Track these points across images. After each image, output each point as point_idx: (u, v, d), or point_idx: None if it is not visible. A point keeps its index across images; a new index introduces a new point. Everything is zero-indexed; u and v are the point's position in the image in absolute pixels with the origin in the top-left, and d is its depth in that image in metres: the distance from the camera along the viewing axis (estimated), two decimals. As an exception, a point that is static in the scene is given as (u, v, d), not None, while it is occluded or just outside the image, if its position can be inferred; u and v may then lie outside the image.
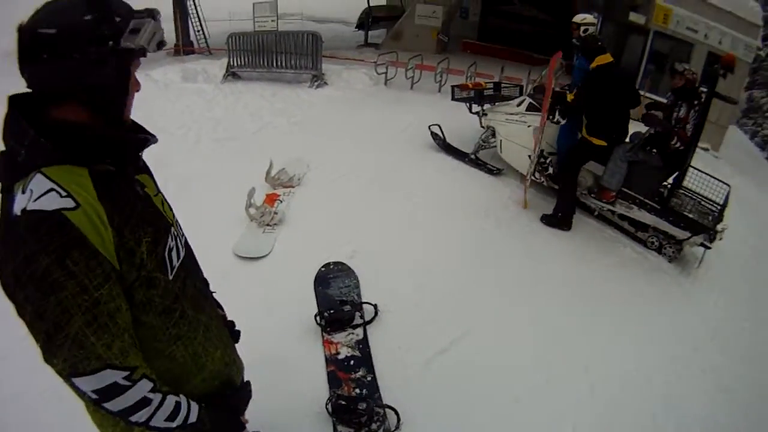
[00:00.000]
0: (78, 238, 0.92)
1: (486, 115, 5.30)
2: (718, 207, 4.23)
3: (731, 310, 4.04)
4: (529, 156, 4.68)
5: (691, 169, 4.29)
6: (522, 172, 4.85)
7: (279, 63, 7.67)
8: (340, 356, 2.96)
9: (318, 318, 3.14)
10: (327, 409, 2.62)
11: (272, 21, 8.67)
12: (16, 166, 0.95)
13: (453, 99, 5.59)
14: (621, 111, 4.26)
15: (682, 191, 4.39)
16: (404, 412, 2.68)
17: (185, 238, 1.32)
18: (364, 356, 2.96)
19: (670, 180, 4.30)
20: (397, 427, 2.60)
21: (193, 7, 9.01)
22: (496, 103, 5.30)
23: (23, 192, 0.92)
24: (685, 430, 2.94)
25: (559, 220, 4.46)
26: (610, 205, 4.47)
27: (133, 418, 1.03)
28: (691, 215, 4.22)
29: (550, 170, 4.72)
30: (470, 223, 4.36)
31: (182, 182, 4.14)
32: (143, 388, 1.02)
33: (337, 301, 3.31)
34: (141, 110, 1.29)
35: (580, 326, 3.46)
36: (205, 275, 1.45)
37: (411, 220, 4.23)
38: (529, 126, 4.77)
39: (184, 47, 8.87)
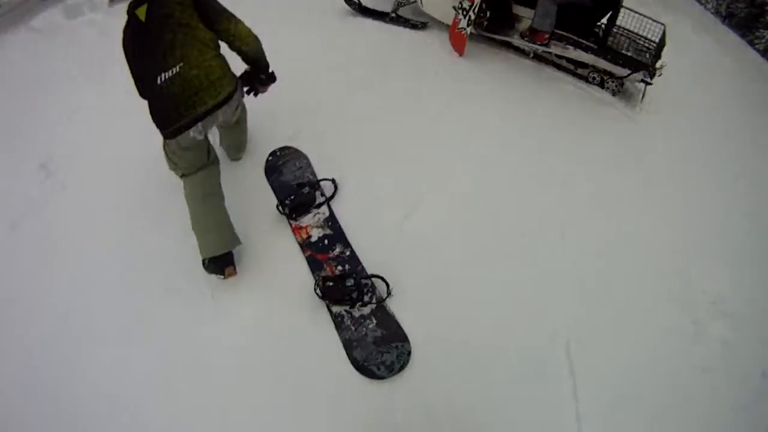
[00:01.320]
0: None
1: (398, -30, 4.90)
2: (654, 45, 4.26)
3: (677, 142, 4.24)
4: (454, 6, 4.44)
5: (624, 10, 4.22)
6: (447, 23, 4.65)
7: None
8: (313, 239, 3.01)
9: (280, 207, 3.10)
10: (317, 293, 2.66)
11: None
12: None
13: None
14: None
15: (617, 30, 4.35)
16: (390, 278, 2.70)
17: None
18: (335, 232, 3.02)
19: (604, 21, 4.24)
20: (389, 293, 2.73)
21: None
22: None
23: None
24: (657, 264, 3.23)
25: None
26: (545, 47, 4.40)
27: None
28: (628, 53, 4.25)
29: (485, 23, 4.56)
30: (406, 82, 4.22)
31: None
32: None
33: (294, 186, 3.25)
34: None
35: (534, 166, 3.62)
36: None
37: (347, 91, 4.06)
38: (449, -25, 4.47)
39: None
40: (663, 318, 3.02)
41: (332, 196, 3.20)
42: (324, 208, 3.13)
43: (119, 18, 5.63)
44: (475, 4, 4.17)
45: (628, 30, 4.39)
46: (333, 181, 3.26)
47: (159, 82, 2.50)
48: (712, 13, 11.95)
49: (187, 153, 2.69)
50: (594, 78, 4.44)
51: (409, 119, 3.83)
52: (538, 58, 4.61)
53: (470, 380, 2.60)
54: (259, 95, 3.00)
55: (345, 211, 3.14)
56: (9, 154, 3.58)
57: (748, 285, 3.30)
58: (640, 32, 4.37)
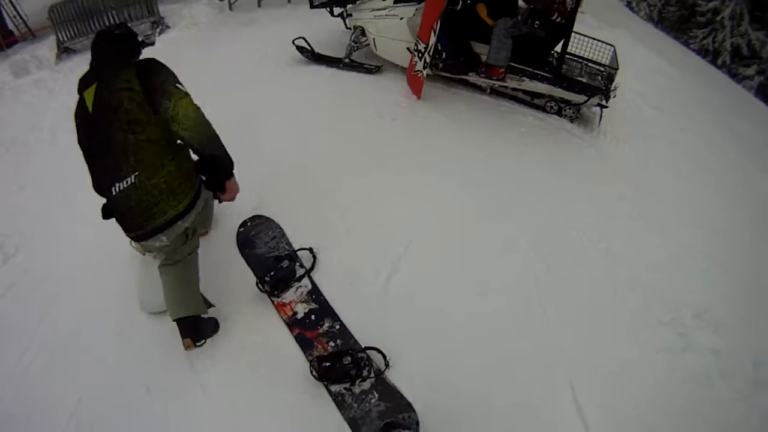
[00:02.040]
0: None
1: (351, 15, 4.90)
2: (606, 67, 4.36)
3: (638, 157, 4.34)
4: (408, 48, 4.46)
5: (574, 35, 4.30)
6: (403, 66, 4.64)
7: (112, 21, 6.53)
8: (299, 315, 2.85)
9: (260, 285, 2.93)
10: (312, 375, 2.52)
11: (90, -23, 7.15)
12: None
13: (312, 6, 5.09)
14: None
15: (569, 57, 4.44)
16: (384, 346, 2.62)
17: None
18: (321, 306, 2.89)
19: (558, 49, 4.31)
20: (387, 365, 2.59)
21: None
22: (359, 1, 4.88)
23: None
24: (638, 280, 3.23)
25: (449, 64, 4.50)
26: (501, 81, 4.44)
27: None
28: (582, 79, 4.33)
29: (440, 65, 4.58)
30: (366, 126, 4.19)
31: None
32: None
33: (271, 259, 3.08)
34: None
35: (504, 200, 3.59)
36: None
37: (306, 141, 3.99)
38: (401, 18, 4.48)
39: (5, 39, 7.14)
40: (649, 335, 3.00)
41: (312, 267, 3.06)
42: (305, 281, 2.99)
43: (67, 75, 5.70)
44: (429, 46, 4.16)
45: (579, 56, 4.49)
46: (311, 250, 3.11)
47: (114, 192, 2.27)
48: (645, 20, 12.53)
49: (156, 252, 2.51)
50: (551, 107, 4.50)
51: (375, 171, 3.73)
52: (495, 92, 4.64)
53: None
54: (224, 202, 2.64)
55: (327, 280, 3.01)
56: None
57: (730, 294, 3.35)
58: (591, 55, 4.48)
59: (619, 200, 3.78)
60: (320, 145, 3.96)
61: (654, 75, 6.44)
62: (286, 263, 2.99)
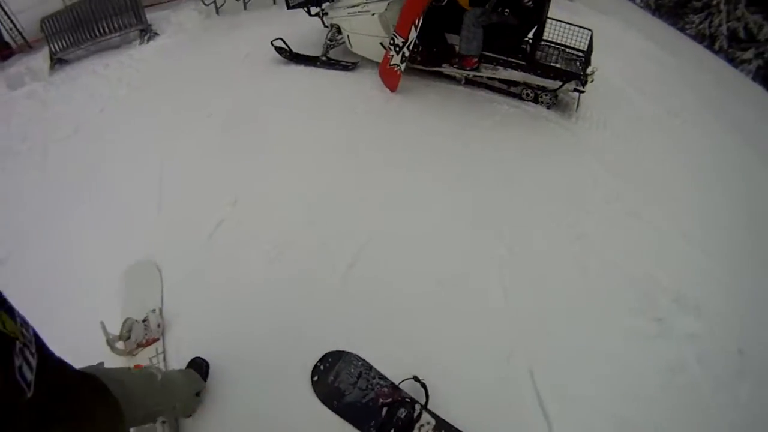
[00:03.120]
0: None
1: (327, 14, 4.86)
2: (583, 52, 4.25)
3: (618, 140, 4.23)
4: (382, 44, 4.42)
5: (551, 21, 4.24)
6: (378, 61, 4.58)
7: (103, 29, 6.57)
8: None
9: None
10: None
11: (80, -12, 7.22)
12: None
13: (289, 7, 5.06)
14: None
15: (545, 43, 4.36)
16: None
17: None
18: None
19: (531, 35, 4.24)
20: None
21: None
22: (335, 0, 4.84)
23: None
24: (611, 265, 3.11)
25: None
26: (475, 71, 4.36)
27: None
28: (557, 65, 4.23)
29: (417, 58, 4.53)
30: (340, 122, 4.13)
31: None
32: None
33: (373, 405, 2.46)
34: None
35: (478, 189, 3.49)
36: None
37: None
38: (373, 14, 4.44)
39: (2, 52, 7.24)
40: (620, 322, 2.88)
41: (427, 400, 2.44)
42: (425, 416, 2.41)
43: (59, 87, 5.74)
44: (409, 41, 4.09)
45: (556, 42, 4.39)
46: (416, 379, 2.47)
47: None
48: (642, 8, 12.33)
49: None
50: (527, 94, 4.40)
51: (353, 164, 3.66)
52: (470, 82, 4.56)
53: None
54: None
55: (449, 405, 2.47)
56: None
57: (711, 277, 3.22)
58: (569, 41, 4.37)
59: (594, 184, 3.67)
60: (303, 143, 3.90)
61: (643, 60, 6.31)
62: (403, 412, 2.39)
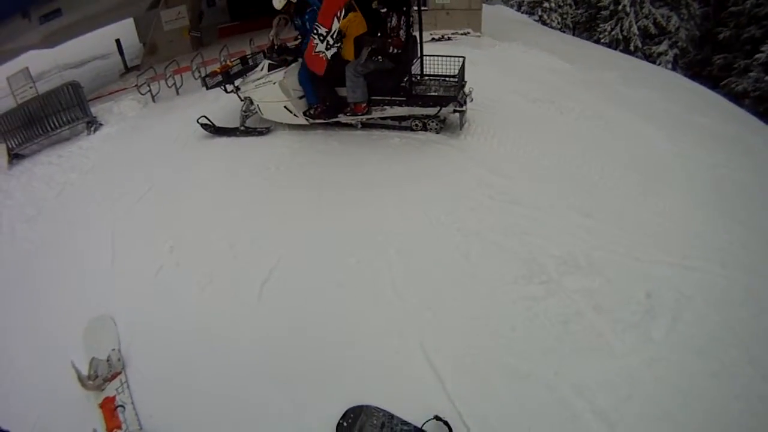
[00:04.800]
0: None
1: (240, 89, 5.39)
2: (456, 78, 4.74)
3: (505, 146, 4.63)
4: (286, 107, 4.95)
5: (428, 57, 4.79)
6: (286, 122, 5.10)
7: (53, 125, 7.06)
8: None
9: None
10: None
11: (30, 88, 7.72)
12: None
13: (208, 88, 5.59)
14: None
15: (427, 77, 4.91)
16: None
17: None
18: None
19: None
20: None
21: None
22: (246, 75, 5.38)
23: None
24: (494, 247, 3.48)
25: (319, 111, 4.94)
26: (366, 114, 4.84)
27: None
28: (435, 93, 4.73)
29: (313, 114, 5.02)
30: (259, 179, 4.56)
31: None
32: None
33: None
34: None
35: (371, 209, 3.92)
36: None
37: (214, 213, 4.26)
38: (274, 83, 4.97)
39: None
40: (506, 291, 3.17)
41: None
42: None
43: (19, 178, 6.16)
44: (332, 30, 4.42)
45: (435, 74, 4.91)
46: (438, 418, 2.53)
47: None
48: (561, 30, 12.92)
49: None
50: (416, 125, 4.86)
51: (270, 214, 4.06)
52: (366, 125, 5.02)
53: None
54: None
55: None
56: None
57: (596, 236, 3.53)
58: (448, 71, 4.85)
59: (478, 185, 4.05)
60: (233, 208, 4.26)
61: (541, 73, 6.79)
62: None
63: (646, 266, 3.31)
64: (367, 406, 2.65)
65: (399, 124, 4.91)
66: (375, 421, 2.60)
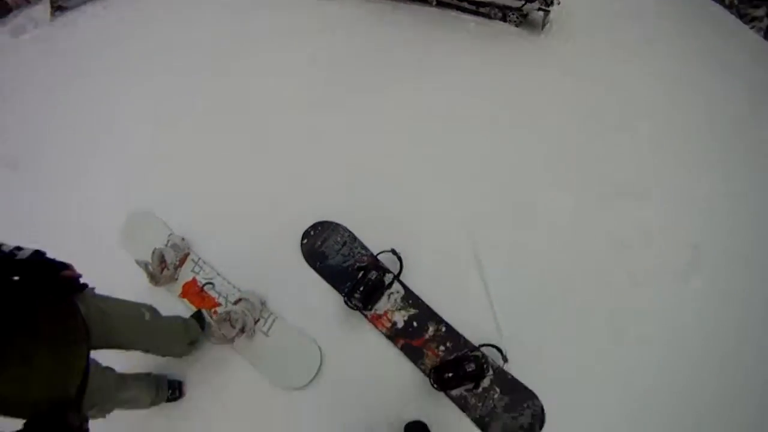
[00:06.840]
0: None
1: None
2: None
3: (586, 57, 4.11)
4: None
5: None
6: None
7: None
8: (399, 324, 2.60)
9: (349, 302, 2.57)
10: (434, 387, 2.38)
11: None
12: None
13: None
14: None
15: None
16: (494, 339, 2.52)
17: None
18: (421, 310, 2.63)
19: None
20: (505, 359, 2.45)
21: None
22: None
23: None
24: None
25: None
26: None
27: None
28: None
29: None
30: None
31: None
32: None
33: (353, 270, 2.70)
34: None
35: (440, 93, 3.67)
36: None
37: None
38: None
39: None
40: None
41: (400, 270, 2.66)
42: (396, 286, 2.64)
43: (62, 31, 5.83)
44: None
45: None
46: (393, 252, 2.66)
47: None
48: None
49: None
50: (495, 13, 4.34)
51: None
52: (441, 3, 4.51)
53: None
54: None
55: (417, 280, 2.69)
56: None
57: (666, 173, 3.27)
58: None
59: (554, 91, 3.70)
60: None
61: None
62: (373, 273, 2.59)
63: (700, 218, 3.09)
64: (337, 224, 2.88)
65: (476, 9, 4.39)
66: (339, 238, 2.84)
